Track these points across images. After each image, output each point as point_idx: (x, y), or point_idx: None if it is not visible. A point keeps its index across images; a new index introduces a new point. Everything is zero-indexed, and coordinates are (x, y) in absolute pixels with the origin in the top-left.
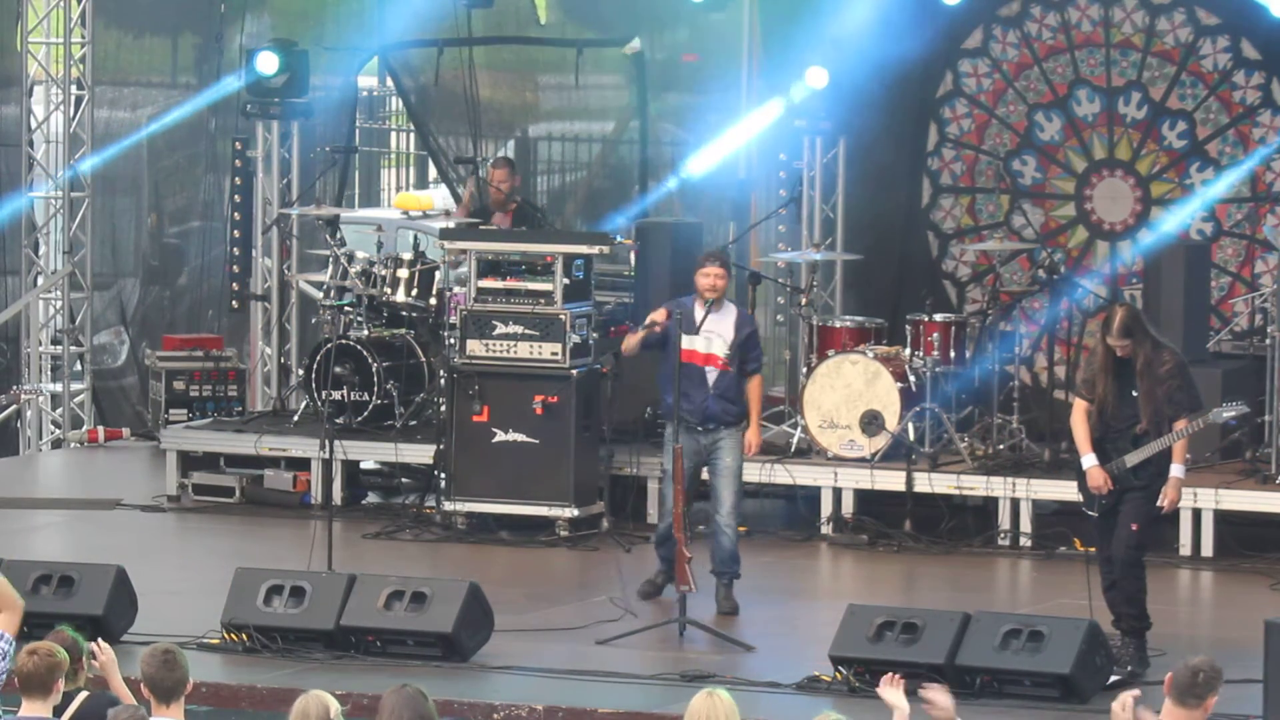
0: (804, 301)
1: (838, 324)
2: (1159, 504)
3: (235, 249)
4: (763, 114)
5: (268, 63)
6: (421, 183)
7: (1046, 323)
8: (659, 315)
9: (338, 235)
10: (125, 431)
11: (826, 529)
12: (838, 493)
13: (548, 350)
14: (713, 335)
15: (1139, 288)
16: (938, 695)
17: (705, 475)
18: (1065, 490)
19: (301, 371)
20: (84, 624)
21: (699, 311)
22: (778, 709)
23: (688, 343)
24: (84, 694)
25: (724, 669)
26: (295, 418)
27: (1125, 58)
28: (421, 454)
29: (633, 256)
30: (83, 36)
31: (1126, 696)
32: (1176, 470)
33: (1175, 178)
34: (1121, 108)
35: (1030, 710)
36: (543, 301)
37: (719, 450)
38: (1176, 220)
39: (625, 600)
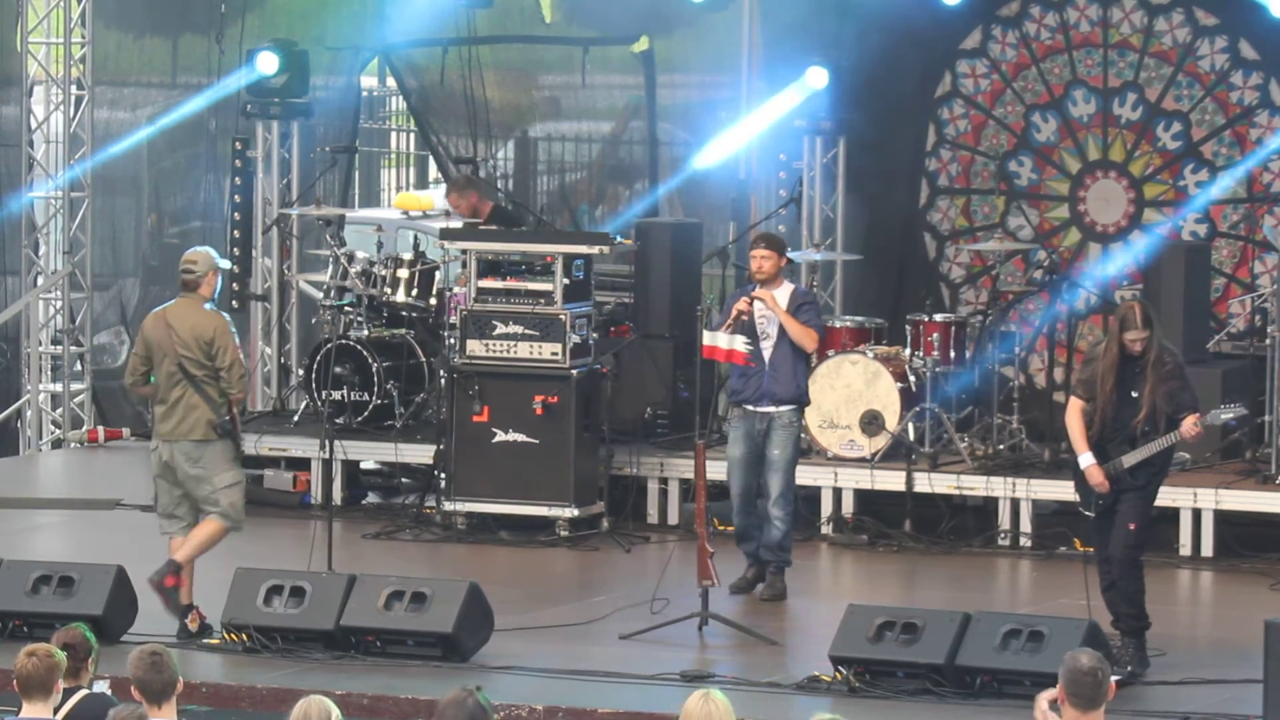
0: None
1: (838, 324)
2: (1181, 432)
3: (235, 249)
4: (763, 114)
5: (268, 63)
6: (421, 183)
7: (1043, 323)
8: (743, 304)
9: (339, 235)
10: (125, 431)
11: (826, 529)
12: (838, 493)
13: (548, 350)
14: (768, 314)
15: (1132, 290)
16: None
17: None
18: (1065, 490)
19: (301, 371)
20: (83, 624)
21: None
22: (778, 709)
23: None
24: (82, 692)
25: (724, 669)
26: (295, 418)
27: (1123, 58)
28: (421, 454)
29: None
30: (83, 36)
31: (1042, 700)
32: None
33: (1169, 179)
34: (1116, 109)
35: (1030, 711)
36: (543, 301)
37: (769, 440)
38: (1171, 222)
39: (664, 601)
